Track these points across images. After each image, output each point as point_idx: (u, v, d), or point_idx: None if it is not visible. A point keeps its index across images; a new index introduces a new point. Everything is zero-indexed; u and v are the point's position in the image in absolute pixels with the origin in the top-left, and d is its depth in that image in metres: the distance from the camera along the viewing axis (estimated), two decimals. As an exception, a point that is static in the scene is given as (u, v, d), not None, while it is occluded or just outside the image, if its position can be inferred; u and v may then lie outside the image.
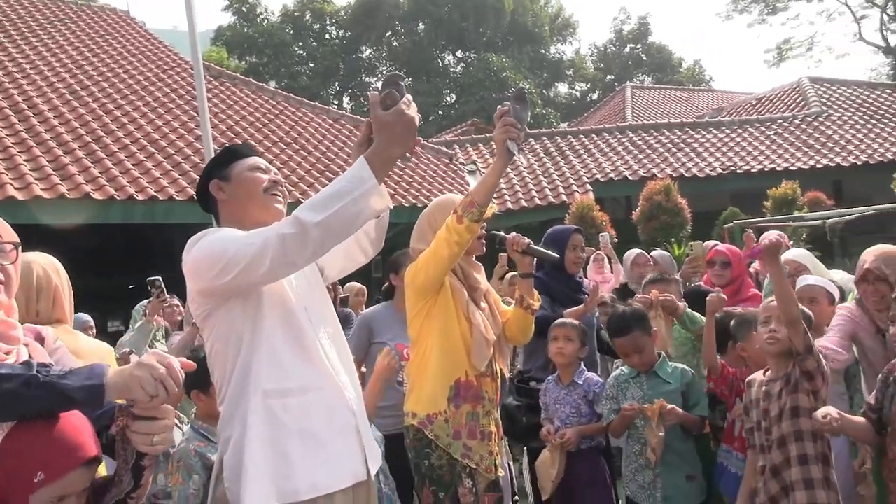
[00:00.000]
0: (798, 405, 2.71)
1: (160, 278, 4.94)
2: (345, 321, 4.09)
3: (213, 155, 6.22)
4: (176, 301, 5.95)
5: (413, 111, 1.94)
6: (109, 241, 11.13)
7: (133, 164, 10.07)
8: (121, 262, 11.72)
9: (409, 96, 1.96)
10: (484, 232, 2.97)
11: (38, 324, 2.30)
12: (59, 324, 2.39)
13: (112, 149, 10.29)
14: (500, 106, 2.61)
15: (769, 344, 2.79)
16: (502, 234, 3.07)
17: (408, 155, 1.98)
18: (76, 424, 1.50)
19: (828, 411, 2.47)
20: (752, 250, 2.93)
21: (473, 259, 3.08)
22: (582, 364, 3.60)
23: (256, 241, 1.92)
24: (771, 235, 3.06)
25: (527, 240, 3.01)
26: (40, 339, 1.92)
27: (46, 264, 2.43)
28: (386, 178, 2.02)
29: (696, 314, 3.69)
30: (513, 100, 2.61)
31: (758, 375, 2.92)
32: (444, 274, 2.86)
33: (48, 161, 9.35)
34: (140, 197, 9.33)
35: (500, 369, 3.06)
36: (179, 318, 5.92)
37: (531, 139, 15.53)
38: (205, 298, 2.06)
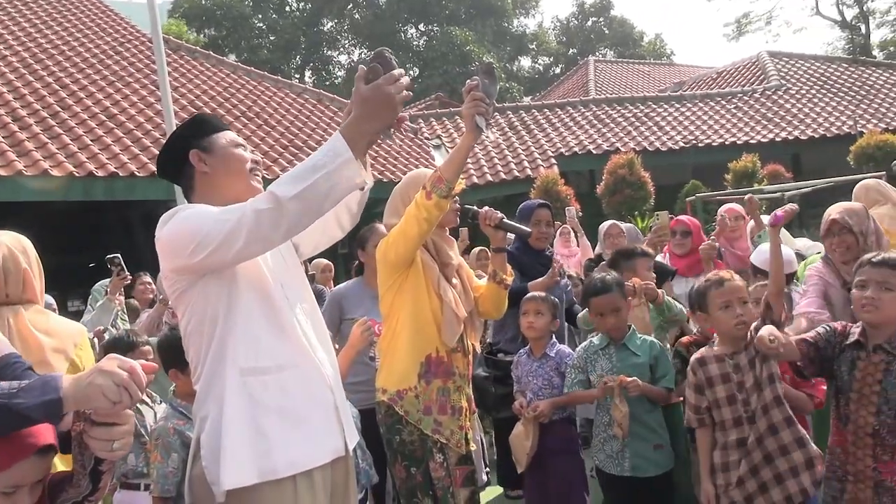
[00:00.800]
0: (772, 371, 2.81)
1: (119, 255, 4.88)
2: (317, 297, 4.08)
3: (175, 129, 6.19)
4: (147, 279, 5.90)
5: (395, 87, 1.88)
6: (68, 219, 10.92)
7: (92, 140, 9.86)
8: (80, 241, 11.51)
9: (398, 71, 1.90)
10: (457, 205, 2.98)
11: (7, 304, 2.27)
12: (29, 304, 2.35)
13: (70, 124, 10.07)
14: (468, 80, 2.58)
15: (737, 329, 2.86)
16: (475, 208, 3.07)
17: (391, 131, 1.96)
18: None
19: (773, 333, 2.54)
20: (775, 217, 3.01)
21: (447, 233, 3.08)
22: (553, 336, 3.65)
23: (231, 217, 1.89)
24: (788, 207, 3.13)
25: (499, 214, 3.02)
26: None
27: (13, 244, 2.39)
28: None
29: (674, 302, 3.81)
30: (481, 74, 2.58)
31: (707, 352, 2.95)
32: (414, 250, 2.86)
33: (3, 137, 9.11)
34: (100, 173, 9.16)
35: (472, 345, 3.08)
36: (150, 296, 5.86)
37: (496, 113, 15.53)
38: (179, 276, 2.02)
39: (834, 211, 3.47)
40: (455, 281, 3.03)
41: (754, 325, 2.83)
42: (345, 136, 1.87)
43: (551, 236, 4.33)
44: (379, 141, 2.03)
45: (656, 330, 3.76)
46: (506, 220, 3.03)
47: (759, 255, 4.09)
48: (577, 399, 3.50)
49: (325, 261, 6.65)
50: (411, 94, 1.95)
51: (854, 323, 2.68)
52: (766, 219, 4.99)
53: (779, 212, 2.98)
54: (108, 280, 5.81)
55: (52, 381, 1.40)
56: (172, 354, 2.80)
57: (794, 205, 3.30)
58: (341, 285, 4.26)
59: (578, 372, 3.42)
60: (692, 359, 3.01)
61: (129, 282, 5.08)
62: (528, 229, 3.32)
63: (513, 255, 3.94)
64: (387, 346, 2.97)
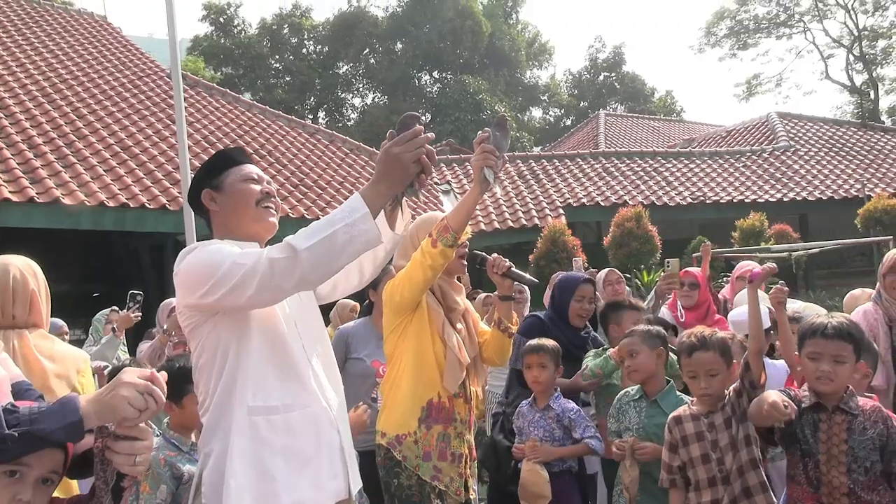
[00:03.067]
0: (749, 433, 2.75)
1: (142, 294, 4.91)
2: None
3: (188, 164, 6.24)
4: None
5: (405, 147, 1.91)
6: (74, 248, 10.97)
7: (105, 171, 9.95)
8: (86, 270, 11.55)
9: (411, 131, 1.93)
10: (465, 251, 2.99)
11: (13, 328, 2.28)
12: (34, 328, 2.36)
13: (84, 154, 10.17)
14: (480, 132, 2.60)
15: (702, 401, 2.84)
16: (483, 254, 3.08)
17: (414, 188, 1.98)
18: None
19: (786, 400, 2.50)
20: (752, 273, 2.99)
21: (455, 279, 3.08)
22: (558, 389, 3.61)
23: (247, 262, 1.90)
24: (767, 266, 3.14)
25: (508, 262, 3.02)
26: None
27: (24, 267, 2.40)
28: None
29: (674, 357, 3.74)
30: (494, 127, 2.59)
31: (684, 411, 2.90)
32: (419, 295, 2.87)
33: (18, 164, 9.20)
34: (111, 204, 9.22)
35: (475, 391, 3.06)
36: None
37: (506, 164, 15.66)
38: (192, 311, 2.05)
39: None
40: (460, 326, 3.02)
41: (732, 386, 2.80)
42: (363, 195, 1.91)
43: (591, 313, 4.12)
44: (405, 198, 2.07)
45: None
46: (514, 268, 3.03)
47: (737, 315, 4.09)
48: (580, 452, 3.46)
49: (352, 302, 6.35)
50: (429, 151, 1.95)
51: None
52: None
53: (756, 269, 2.97)
54: (108, 310, 5.79)
55: (70, 403, 1.42)
56: (170, 387, 2.80)
57: (773, 265, 3.33)
58: (349, 323, 4.24)
59: (613, 421, 3.36)
60: (669, 416, 2.96)
61: (139, 320, 5.06)
62: (534, 279, 3.30)
63: (542, 324, 3.89)
64: (388, 389, 2.96)
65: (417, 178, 1.96)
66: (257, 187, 2.21)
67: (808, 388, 2.64)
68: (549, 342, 3.61)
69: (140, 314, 4.94)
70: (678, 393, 3.29)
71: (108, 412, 1.43)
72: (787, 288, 3.37)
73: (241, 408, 1.99)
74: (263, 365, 2.03)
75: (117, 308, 5.51)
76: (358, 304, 6.83)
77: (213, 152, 2.33)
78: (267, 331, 2.06)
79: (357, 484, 2.21)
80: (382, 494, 2.96)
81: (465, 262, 3.03)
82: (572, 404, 3.59)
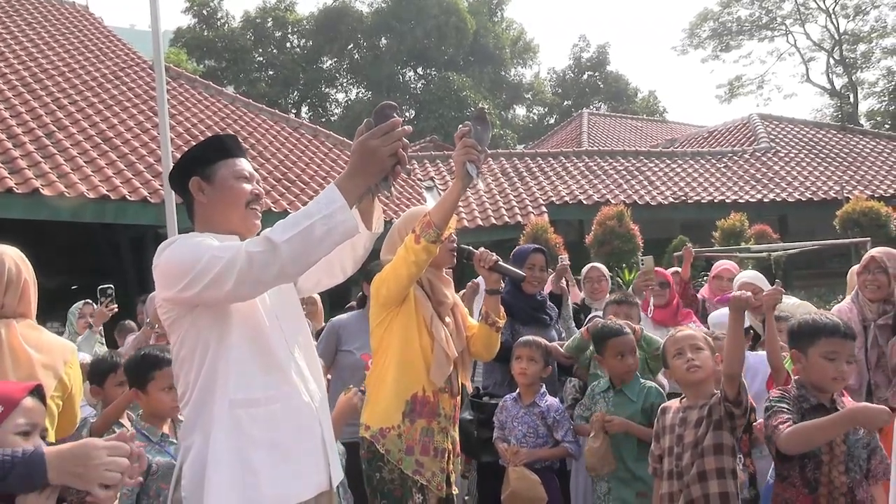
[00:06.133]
0: (722, 442, 2.71)
1: (112, 287, 4.84)
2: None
3: (170, 157, 6.18)
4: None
5: (382, 140, 1.89)
6: (52, 239, 10.85)
7: (86, 162, 9.85)
8: (65, 261, 11.42)
9: (388, 123, 1.91)
10: (454, 245, 2.99)
11: (2, 316, 2.26)
12: (22, 318, 2.35)
13: (64, 145, 10.05)
14: (461, 126, 2.57)
15: (691, 373, 2.83)
16: (470, 248, 3.08)
17: (387, 183, 1.97)
18: None
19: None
20: (723, 297, 3.02)
21: (443, 272, 3.08)
22: (544, 386, 3.64)
23: (225, 255, 1.89)
24: (746, 294, 3.11)
25: (495, 256, 3.03)
26: None
27: (16, 257, 2.39)
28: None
29: (653, 336, 3.80)
30: (474, 120, 2.57)
31: (674, 403, 2.96)
32: (404, 290, 2.87)
33: (-3, 154, 9.09)
34: (91, 195, 9.12)
35: (462, 384, 3.07)
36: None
37: (489, 159, 15.66)
38: (172, 305, 2.03)
39: (875, 251, 3.79)
40: (448, 319, 3.02)
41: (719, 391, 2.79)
42: (339, 186, 1.90)
43: (544, 281, 4.32)
44: (379, 193, 2.05)
45: (642, 371, 3.76)
46: (501, 262, 3.04)
47: (718, 318, 4.14)
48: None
49: (313, 295, 6.50)
50: (404, 144, 1.93)
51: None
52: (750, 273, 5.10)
53: (728, 294, 2.95)
54: (80, 304, 5.72)
55: (38, 466, 1.45)
56: (135, 374, 2.88)
57: (749, 294, 3.28)
58: (342, 316, 4.21)
59: (584, 409, 3.46)
60: (660, 407, 3.05)
61: (114, 313, 5.01)
62: (523, 273, 3.33)
63: (503, 299, 3.94)
64: (373, 383, 2.95)
65: (392, 171, 1.95)
66: (248, 187, 2.16)
67: (806, 389, 2.62)
68: (543, 339, 3.65)
69: (115, 306, 4.88)
70: (642, 380, 3.46)
71: (80, 484, 1.47)
72: (783, 289, 3.39)
73: (223, 401, 1.98)
74: (244, 357, 2.01)
75: (91, 301, 5.45)
76: (318, 297, 6.87)
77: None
78: (248, 323, 2.04)
79: (339, 476, 2.20)
80: (364, 487, 2.96)
81: (455, 255, 3.03)
82: (558, 403, 3.62)
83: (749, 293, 2.78)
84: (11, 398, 1.56)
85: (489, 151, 2.80)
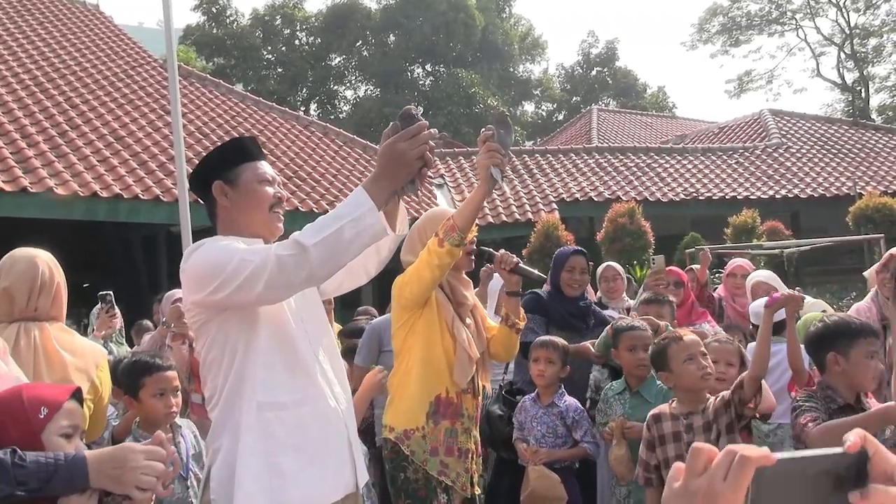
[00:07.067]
0: (739, 443, 2.72)
1: (111, 293, 4.84)
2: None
3: (183, 155, 6.19)
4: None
5: (410, 143, 1.90)
6: (68, 237, 10.91)
7: (98, 161, 9.89)
8: (79, 260, 11.47)
9: (416, 127, 1.92)
10: (473, 248, 2.99)
11: (35, 319, 2.29)
12: (54, 321, 2.37)
13: (77, 144, 10.11)
14: (483, 130, 2.57)
15: (704, 380, 2.83)
16: (491, 250, 3.08)
17: (414, 186, 1.97)
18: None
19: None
20: (772, 298, 2.93)
21: (462, 274, 3.09)
22: (562, 387, 3.64)
23: (255, 258, 1.89)
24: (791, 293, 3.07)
25: (515, 258, 3.03)
26: None
27: (49, 261, 2.43)
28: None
29: None
30: (496, 124, 2.56)
31: (664, 409, 2.90)
32: (427, 293, 2.88)
33: (11, 153, 9.13)
34: (104, 194, 9.17)
35: (483, 385, 3.08)
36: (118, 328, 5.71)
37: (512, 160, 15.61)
38: (200, 308, 2.04)
39: None
40: (469, 321, 3.04)
41: (720, 394, 2.80)
42: (367, 189, 1.91)
43: (585, 284, 4.19)
44: (406, 196, 2.05)
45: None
46: (521, 264, 3.04)
47: (760, 308, 4.11)
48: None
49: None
50: (432, 148, 1.95)
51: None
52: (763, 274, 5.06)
53: (776, 294, 2.92)
54: (98, 307, 5.74)
55: (79, 468, 1.49)
56: (126, 381, 2.89)
57: (796, 294, 3.25)
58: (381, 318, 4.24)
59: (601, 415, 3.44)
60: (649, 414, 2.94)
61: (116, 318, 5.01)
62: (542, 275, 3.32)
63: (540, 301, 3.92)
64: (397, 384, 2.97)
65: (419, 174, 1.95)
66: (271, 190, 2.17)
67: (832, 389, 2.61)
68: (560, 340, 3.65)
69: (115, 311, 4.88)
70: (658, 382, 3.36)
71: (117, 487, 1.51)
72: (803, 295, 3.37)
73: (251, 404, 1.99)
74: (272, 361, 2.02)
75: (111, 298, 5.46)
76: (331, 299, 6.90)
77: (211, 142, 2.30)
78: (275, 327, 2.05)
79: (364, 477, 2.23)
80: (388, 488, 2.97)
81: (473, 258, 3.04)
82: (577, 403, 3.62)
83: (802, 295, 2.78)
84: (56, 400, 1.59)
85: (511, 154, 2.80)
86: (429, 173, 2.02)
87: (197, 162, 2.24)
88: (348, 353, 4.04)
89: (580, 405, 3.60)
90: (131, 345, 6.05)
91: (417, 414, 2.87)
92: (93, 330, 5.67)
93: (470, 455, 2.97)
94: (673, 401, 2.93)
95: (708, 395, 2.82)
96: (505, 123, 2.59)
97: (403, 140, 1.91)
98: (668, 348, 2.92)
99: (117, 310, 5.19)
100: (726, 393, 2.79)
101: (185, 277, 2.04)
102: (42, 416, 1.54)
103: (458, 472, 2.90)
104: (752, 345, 3.85)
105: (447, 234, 2.66)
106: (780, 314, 3.81)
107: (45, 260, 2.40)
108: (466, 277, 3.12)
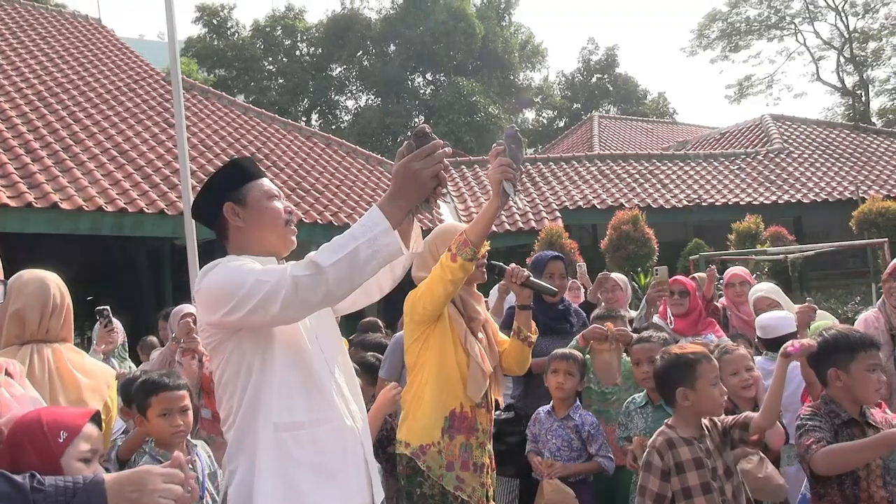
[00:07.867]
0: (730, 463, 2.69)
1: (108, 308, 4.85)
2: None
3: (188, 168, 6.21)
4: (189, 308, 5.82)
5: (424, 162, 1.90)
6: (72, 252, 10.92)
7: (102, 175, 9.91)
8: (83, 274, 11.48)
9: (430, 145, 1.92)
10: (485, 261, 3.00)
11: (46, 341, 2.30)
12: (64, 342, 2.38)
13: (81, 158, 10.13)
14: (494, 145, 2.57)
15: (745, 390, 2.84)
16: (502, 264, 3.08)
17: (429, 204, 1.97)
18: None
19: None
20: (792, 347, 2.69)
21: (474, 288, 3.09)
22: (578, 400, 3.63)
23: (270, 279, 1.89)
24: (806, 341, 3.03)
25: (526, 272, 3.03)
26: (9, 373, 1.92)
27: (58, 282, 2.45)
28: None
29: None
30: (507, 139, 2.56)
31: (672, 434, 2.64)
32: (440, 308, 2.88)
33: (15, 168, 9.15)
34: (109, 208, 9.18)
35: (496, 399, 3.08)
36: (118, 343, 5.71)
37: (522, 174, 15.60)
38: (215, 329, 2.04)
39: None
40: (481, 335, 3.04)
41: (718, 419, 2.72)
42: (382, 209, 1.91)
43: (564, 289, 4.31)
44: (420, 214, 2.04)
45: (633, 385, 3.74)
46: (532, 277, 3.04)
47: (765, 321, 4.11)
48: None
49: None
50: (445, 166, 1.94)
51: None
52: (765, 286, 5.03)
53: (795, 343, 2.64)
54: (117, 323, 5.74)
55: (96, 491, 1.47)
56: (134, 401, 2.91)
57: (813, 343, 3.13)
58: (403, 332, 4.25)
59: (622, 429, 3.41)
60: (658, 441, 2.65)
61: (115, 333, 5.01)
62: (554, 288, 3.32)
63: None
64: (411, 400, 2.97)
65: (433, 193, 1.95)
66: (281, 206, 2.18)
67: (836, 404, 2.60)
68: (578, 353, 3.64)
69: (114, 327, 4.88)
70: None
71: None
72: (815, 306, 3.36)
73: (267, 424, 1.99)
74: (288, 381, 2.02)
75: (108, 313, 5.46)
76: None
77: (214, 154, 2.29)
78: (290, 346, 2.05)
79: (380, 495, 2.22)
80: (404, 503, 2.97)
81: (485, 272, 3.04)
82: (591, 417, 3.61)
83: (814, 343, 2.69)
84: (75, 424, 1.59)
85: (522, 169, 2.79)
86: (442, 191, 2.01)
87: (201, 175, 2.26)
88: (361, 368, 4.04)
89: (595, 419, 3.59)
90: (135, 360, 6.05)
91: (433, 429, 2.87)
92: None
93: (485, 469, 2.97)
94: (669, 421, 2.72)
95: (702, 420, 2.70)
96: (516, 138, 2.59)
97: (418, 159, 1.90)
98: (697, 364, 2.66)
99: (117, 324, 5.20)
100: (726, 420, 2.69)
101: (199, 298, 2.04)
102: (62, 441, 1.55)
103: (473, 486, 2.90)
104: (759, 358, 3.84)
105: (460, 249, 2.67)
106: (791, 326, 3.80)
107: (54, 281, 2.42)
108: (478, 292, 3.12)
